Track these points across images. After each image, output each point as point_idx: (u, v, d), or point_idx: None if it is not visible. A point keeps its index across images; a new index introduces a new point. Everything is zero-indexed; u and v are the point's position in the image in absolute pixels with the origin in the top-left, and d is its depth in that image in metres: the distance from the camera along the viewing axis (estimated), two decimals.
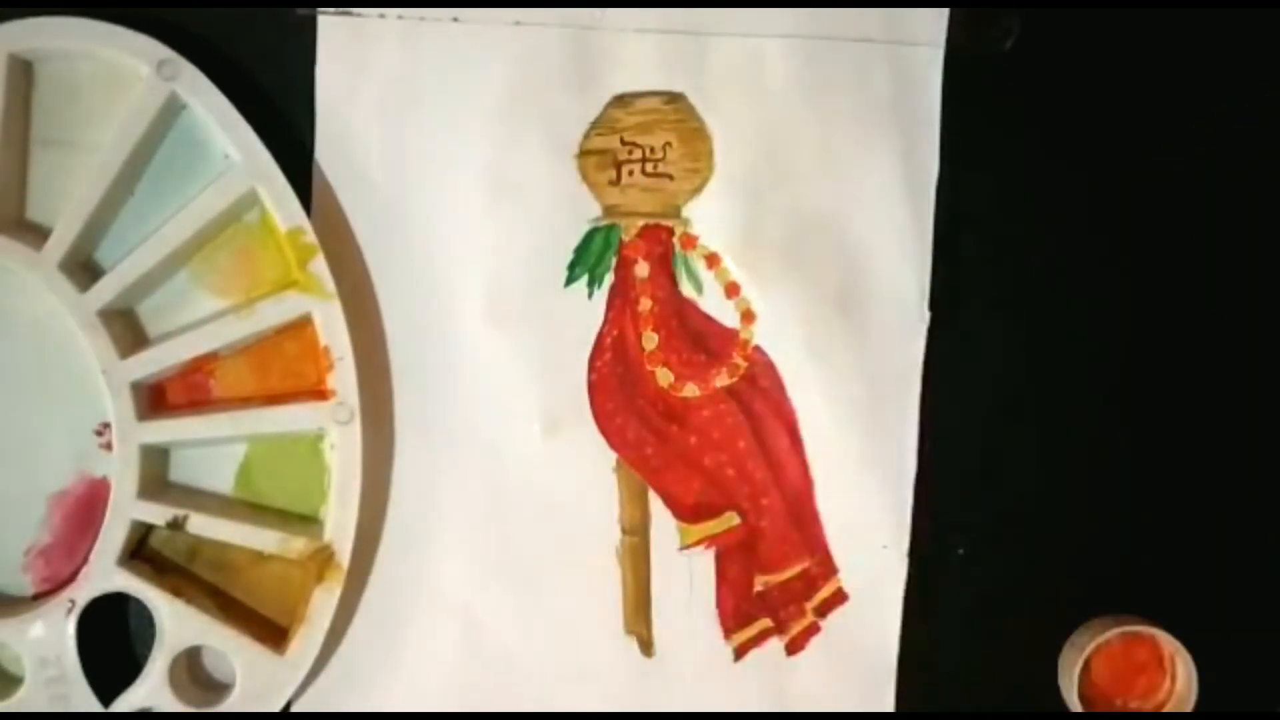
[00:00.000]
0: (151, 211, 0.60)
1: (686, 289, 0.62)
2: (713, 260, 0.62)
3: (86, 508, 0.60)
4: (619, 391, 0.62)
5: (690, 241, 0.62)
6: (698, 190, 0.62)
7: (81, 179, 0.58)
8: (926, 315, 0.62)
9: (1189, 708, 0.60)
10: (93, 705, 0.58)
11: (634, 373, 0.62)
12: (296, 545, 0.59)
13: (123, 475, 0.58)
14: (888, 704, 0.63)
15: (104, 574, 0.58)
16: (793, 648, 0.63)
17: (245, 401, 0.61)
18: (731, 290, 0.62)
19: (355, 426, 0.59)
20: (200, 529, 0.59)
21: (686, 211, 0.62)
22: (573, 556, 0.62)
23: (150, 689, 0.59)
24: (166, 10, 0.59)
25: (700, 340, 0.62)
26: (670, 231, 0.62)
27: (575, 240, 0.62)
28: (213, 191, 0.59)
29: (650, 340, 0.62)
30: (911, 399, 0.62)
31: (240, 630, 0.59)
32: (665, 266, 0.62)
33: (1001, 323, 0.63)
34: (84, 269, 0.59)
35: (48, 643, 0.58)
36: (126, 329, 0.60)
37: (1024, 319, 0.63)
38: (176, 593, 0.59)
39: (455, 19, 0.60)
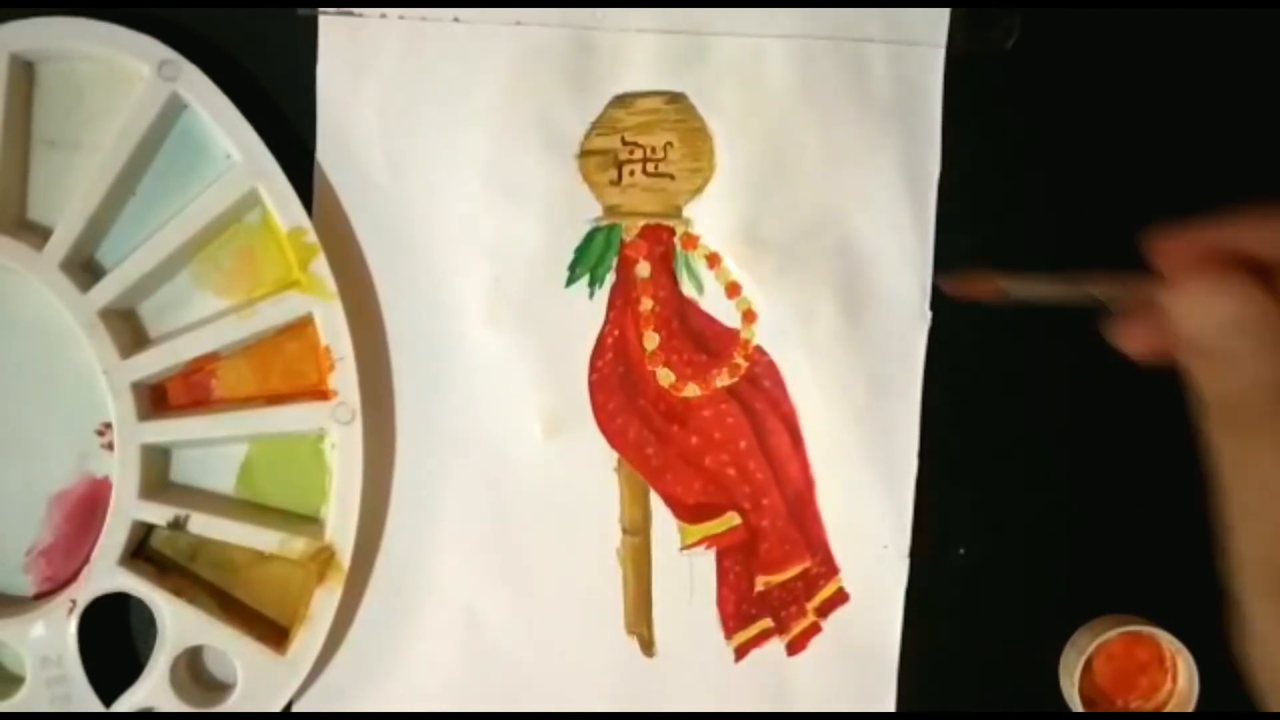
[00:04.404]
0: (153, 212, 0.60)
1: (687, 289, 0.62)
2: (714, 260, 0.62)
3: (88, 508, 0.60)
4: (620, 391, 0.62)
5: (691, 241, 0.62)
6: (699, 190, 0.62)
7: (83, 179, 0.58)
8: (927, 315, 0.62)
9: (1190, 708, 0.60)
10: (94, 705, 0.58)
11: (635, 373, 0.62)
12: (297, 545, 0.59)
13: (124, 475, 0.58)
14: (888, 704, 0.63)
15: (105, 574, 0.58)
16: (793, 648, 0.63)
17: (246, 402, 0.61)
18: (732, 290, 0.62)
19: (356, 427, 0.59)
20: (201, 529, 0.59)
21: (687, 211, 0.62)
22: (574, 557, 0.62)
23: (151, 689, 0.59)
24: (167, 10, 0.59)
25: (701, 340, 0.62)
26: (671, 231, 0.62)
27: (576, 240, 0.62)
28: (214, 191, 0.59)
29: (651, 340, 0.62)
30: (912, 399, 0.62)
31: (241, 630, 0.59)
32: (666, 266, 0.62)
33: (1002, 322, 0.63)
34: (85, 269, 0.59)
35: (49, 643, 0.58)
36: (128, 329, 0.60)
37: (1024, 318, 0.63)
38: (178, 593, 0.59)
39: (456, 19, 0.60)
